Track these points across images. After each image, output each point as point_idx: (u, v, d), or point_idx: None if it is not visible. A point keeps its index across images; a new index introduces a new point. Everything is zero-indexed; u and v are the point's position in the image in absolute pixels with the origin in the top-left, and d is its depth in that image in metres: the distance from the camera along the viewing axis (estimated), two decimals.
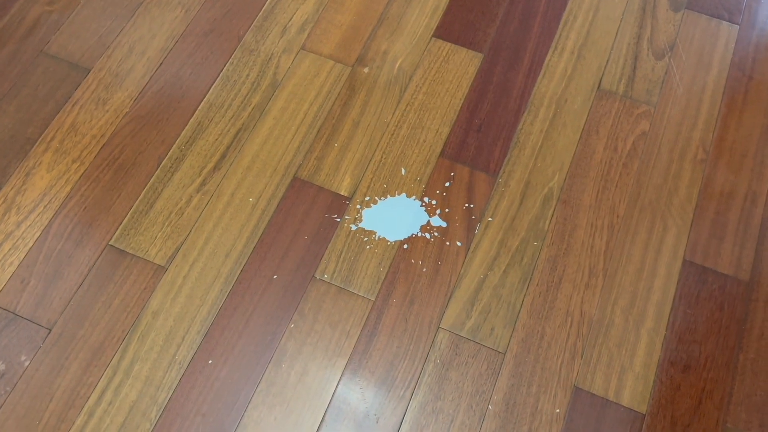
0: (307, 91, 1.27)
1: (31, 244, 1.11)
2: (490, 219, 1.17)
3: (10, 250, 1.10)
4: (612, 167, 1.23)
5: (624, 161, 1.24)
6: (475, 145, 1.23)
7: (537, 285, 1.12)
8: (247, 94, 1.26)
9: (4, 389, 1.00)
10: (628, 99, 1.29)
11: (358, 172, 1.20)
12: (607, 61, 1.33)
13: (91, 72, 1.26)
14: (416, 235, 1.15)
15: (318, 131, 1.23)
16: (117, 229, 1.13)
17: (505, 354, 1.07)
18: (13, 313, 1.06)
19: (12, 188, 1.15)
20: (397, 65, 1.30)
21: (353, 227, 1.15)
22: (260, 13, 1.34)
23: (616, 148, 1.25)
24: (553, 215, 1.18)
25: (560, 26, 1.36)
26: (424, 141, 1.23)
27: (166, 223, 1.14)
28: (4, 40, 1.29)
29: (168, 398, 1.01)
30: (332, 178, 1.19)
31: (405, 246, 1.14)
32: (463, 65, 1.31)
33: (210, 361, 1.04)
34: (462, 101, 1.27)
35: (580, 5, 1.39)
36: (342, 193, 1.18)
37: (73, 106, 1.23)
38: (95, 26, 1.31)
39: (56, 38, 1.30)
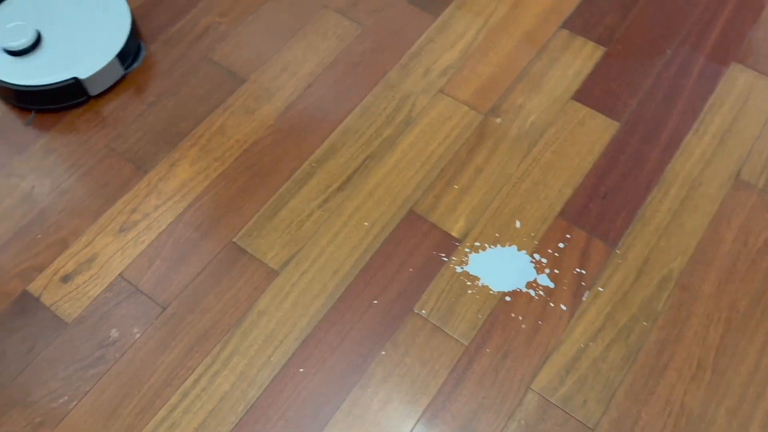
0: (438, 131, 1.31)
1: (163, 228, 1.21)
2: (600, 289, 1.14)
3: (144, 229, 1.20)
4: (739, 260, 1.17)
5: (753, 257, 1.17)
6: (597, 212, 1.21)
7: (640, 367, 1.07)
8: (381, 126, 1.32)
9: (113, 356, 1.09)
10: (767, 194, 1.23)
11: (473, 217, 1.21)
12: (750, 152, 1.28)
13: (246, 82, 1.37)
14: (521, 290, 1.14)
15: (441, 171, 1.26)
16: (242, 228, 1.20)
17: (594, 430, 1.03)
18: (135, 287, 1.15)
19: (157, 174, 1.26)
20: (530, 120, 1.32)
21: (458, 269, 1.16)
22: (407, 54, 1.41)
23: (747, 242, 1.18)
24: (668, 298, 1.13)
25: (705, 108, 1.33)
26: (545, 198, 1.23)
27: (286, 232, 1.20)
28: (175, 42, 1.43)
29: (257, 396, 1.05)
30: (446, 218, 1.21)
31: (507, 298, 1.13)
32: (597, 131, 1.30)
33: (301, 370, 1.07)
34: (590, 166, 1.26)
35: (729, 91, 1.35)
36: (453, 234, 1.19)
37: (224, 110, 1.34)
38: (256, 42, 1.43)
39: (221, 47, 1.42)
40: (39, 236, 1.19)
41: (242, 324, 1.11)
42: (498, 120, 1.32)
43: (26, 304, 1.13)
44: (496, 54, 1.41)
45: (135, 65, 1.38)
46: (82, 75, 1.29)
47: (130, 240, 1.19)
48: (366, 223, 1.21)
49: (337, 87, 1.37)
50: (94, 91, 1.33)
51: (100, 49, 1.33)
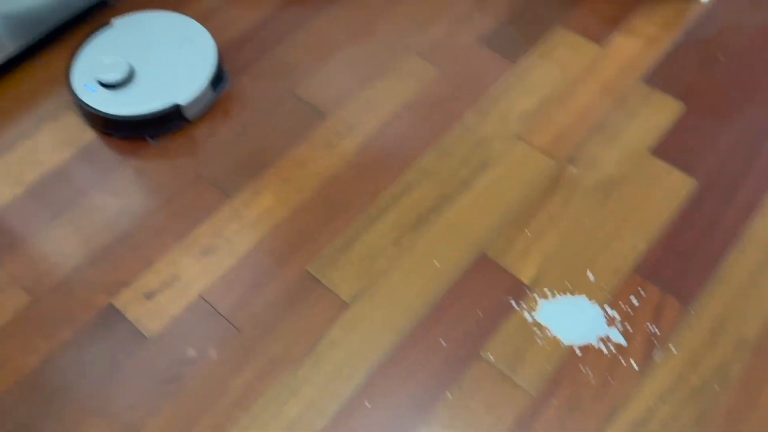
0: (513, 177, 1.32)
1: (243, 253, 1.26)
2: (672, 349, 1.12)
3: (225, 253, 1.26)
4: None
5: None
6: (672, 269, 1.20)
7: None
8: (456, 167, 1.34)
9: (190, 374, 1.13)
10: None
11: (545, 265, 1.22)
12: None
13: (328, 118, 1.43)
14: (591, 344, 1.13)
15: (514, 216, 1.27)
16: (317, 258, 1.24)
17: None
18: (214, 309, 1.20)
19: (240, 201, 1.32)
20: (606, 172, 1.32)
21: (528, 317, 1.16)
22: (485, 98, 1.44)
23: None
24: (742, 363, 1.11)
25: None
26: (618, 251, 1.23)
27: (360, 265, 1.23)
28: (263, 76, 1.50)
29: (323, 426, 1.07)
30: (518, 263, 1.22)
31: (577, 351, 1.13)
32: (674, 187, 1.30)
33: (367, 404, 1.09)
34: (666, 222, 1.26)
35: None
36: (524, 281, 1.20)
37: (306, 143, 1.39)
38: (340, 79, 1.48)
39: (305, 83, 1.49)
40: (127, 252, 1.26)
41: (313, 352, 1.14)
42: (574, 169, 1.33)
43: (110, 318, 1.19)
44: (574, 103, 1.42)
45: (222, 90, 1.47)
46: (182, 101, 1.37)
47: (211, 262, 1.25)
48: (437, 263, 1.23)
49: (415, 127, 1.41)
50: (191, 116, 1.41)
51: (193, 76, 1.41)
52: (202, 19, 1.59)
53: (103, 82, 1.39)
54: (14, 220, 1.31)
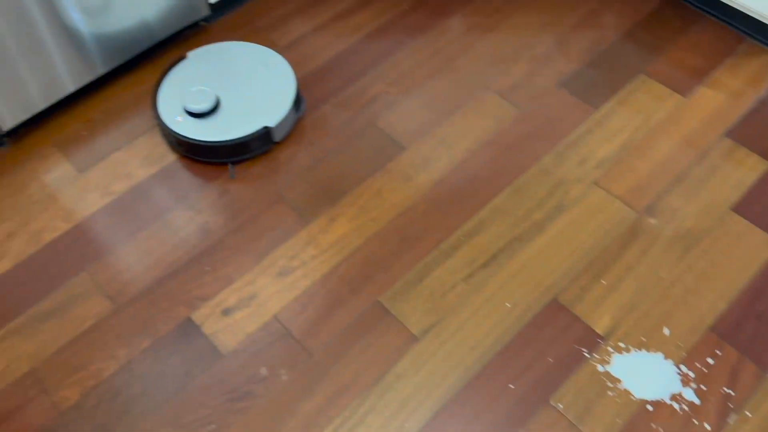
0: (589, 223, 1.32)
1: (318, 278, 1.29)
2: (748, 414, 1.09)
3: (301, 276, 1.29)
4: None
5: None
6: (752, 333, 1.17)
7: None
8: (531, 209, 1.35)
9: (261, 393, 1.16)
10: None
11: (619, 316, 1.21)
12: None
13: (406, 151, 1.46)
14: (664, 401, 1.11)
15: (589, 263, 1.27)
16: (388, 289, 1.26)
17: None
18: (287, 330, 1.23)
19: (317, 227, 1.36)
20: (685, 225, 1.30)
21: (600, 368, 1.15)
22: (563, 141, 1.44)
23: None
24: None
25: None
26: (696, 309, 1.21)
27: (430, 300, 1.24)
28: (346, 105, 1.54)
29: None
30: (591, 312, 1.21)
31: (649, 407, 1.11)
32: (756, 247, 1.27)
33: None
34: (747, 282, 1.23)
35: None
36: (597, 330, 1.19)
37: (384, 174, 1.42)
38: (420, 114, 1.51)
39: (386, 115, 1.52)
40: (207, 268, 1.31)
41: (380, 383, 1.16)
42: (652, 220, 1.32)
43: (188, 330, 1.23)
44: (655, 153, 1.41)
45: (302, 112, 1.51)
46: (271, 123, 1.42)
47: (287, 284, 1.28)
48: (508, 304, 1.24)
49: (491, 165, 1.42)
50: (278, 137, 1.46)
51: (277, 99, 1.46)
52: (289, 47, 1.65)
53: (192, 111, 1.44)
54: (101, 228, 1.37)
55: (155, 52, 1.66)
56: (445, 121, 1.50)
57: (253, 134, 1.41)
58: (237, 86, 1.49)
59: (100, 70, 1.53)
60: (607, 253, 1.29)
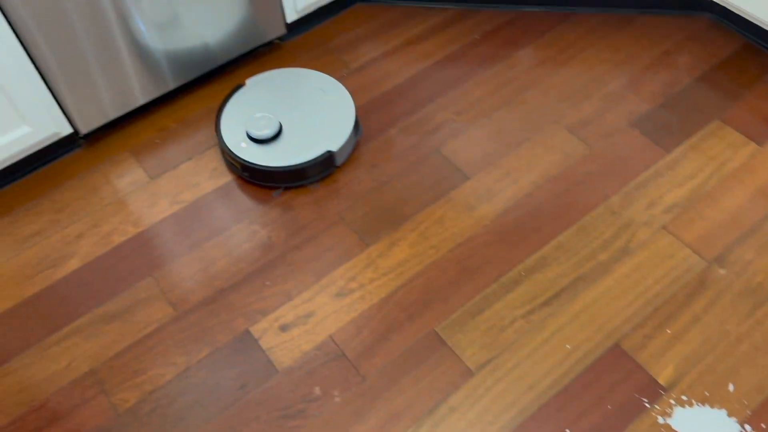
0: (656, 268, 1.29)
1: (374, 301, 1.29)
2: None
3: (358, 299, 1.29)
4: None
5: None
6: None
7: None
8: (596, 249, 1.32)
9: (313, 413, 1.16)
10: None
11: (683, 368, 1.17)
12: None
13: (470, 180, 1.45)
14: None
15: (654, 311, 1.24)
16: (445, 319, 1.25)
17: None
18: (342, 352, 1.23)
19: (377, 250, 1.36)
20: (757, 279, 1.26)
21: (660, 420, 1.12)
22: (632, 182, 1.42)
23: None
24: None
25: None
26: (764, 367, 1.16)
27: (487, 334, 1.23)
28: (412, 131, 1.55)
29: None
30: (654, 361, 1.18)
31: None
32: None
33: None
34: None
35: None
36: (659, 381, 1.16)
37: (446, 202, 1.42)
38: (486, 144, 1.51)
39: (452, 143, 1.52)
40: (268, 283, 1.32)
41: (433, 414, 1.15)
42: (722, 271, 1.28)
43: (246, 343, 1.25)
44: (727, 202, 1.38)
45: (360, 136, 1.52)
46: (333, 147, 1.44)
47: (344, 305, 1.28)
48: (568, 346, 1.21)
49: (557, 201, 1.41)
50: (340, 161, 1.47)
51: (338, 124, 1.48)
52: (359, 69, 1.67)
53: (255, 137, 1.45)
54: (168, 236, 1.41)
55: (230, 67, 1.70)
56: (512, 153, 1.50)
57: (316, 159, 1.42)
58: (297, 112, 1.51)
59: (171, 84, 1.57)
60: (674, 301, 1.25)
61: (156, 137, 1.57)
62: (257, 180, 1.46)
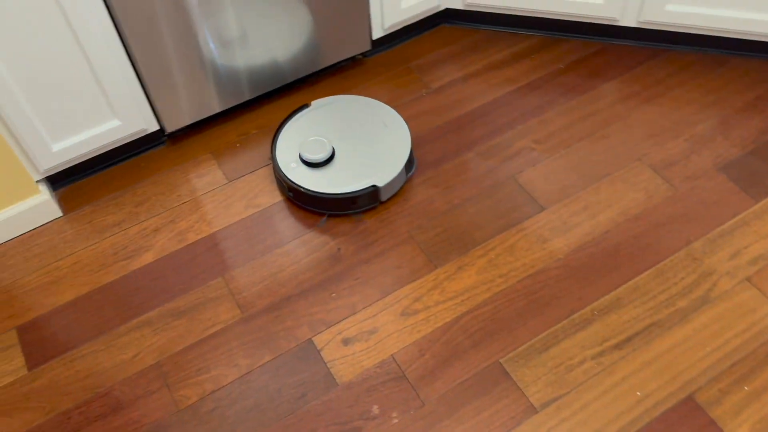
0: (737, 321, 1.23)
1: (439, 325, 1.27)
2: None
3: (423, 320, 1.28)
4: None
5: None
6: None
7: None
8: (674, 295, 1.27)
9: (371, 431, 1.15)
10: None
11: (760, 428, 1.10)
12: None
13: (545, 211, 1.43)
14: None
15: (732, 365, 1.18)
16: (511, 352, 1.23)
17: None
18: (403, 373, 1.22)
19: (445, 273, 1.35)
20: None
21: None
22: (718, 229, 1.36)
23: None
24: None
25: None
26: None
27: (553, 371, 1.20)
28: (489, 156, 1.54)
29: None
30: (729, 419, 1.12)
31: None
32: None
33: None
34: None
35: None
36: None
37: (518, 231, 1.40)
38: (563, 176, 1.48)
39: (529, 171, 1.50)
40: (333, 295, 1.33)
41: None
42: None
43: (308, 353, 1.25)
44: None
45: (412, 174, 1.49)
46: (380, 183, 1.41)
47: (408, 325, 1.27)
48: (638, 393, 1.16)
49: (635, 241, 1.36)
50: (384, 197, 1.44)
51: (390, 159, 1.45)
52: (440, 90, 1.67)
53: (306, 160, 1.45)
54: (241, 238, 1.43)
55: (312, 78, 1.73)
56: (590, 187, 1.46)
57: (360, 191, 1.40)
58: (354, 141, 1.49)
59: (254, 93, 1.61)
60: (754, 357, 1.19)
61: (237, 141, 1.60)
62: (300, 202, 1.45)
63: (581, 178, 1.48)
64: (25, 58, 1.26)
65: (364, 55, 1.76)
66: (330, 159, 1.46)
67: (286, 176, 1.44)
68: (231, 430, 1.16)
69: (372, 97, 1.67)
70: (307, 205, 1.45)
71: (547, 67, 1.71)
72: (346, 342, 1.26)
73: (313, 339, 1.27)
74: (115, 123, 1.44)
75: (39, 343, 1.30)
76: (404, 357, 1.24)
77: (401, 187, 1.48)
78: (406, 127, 1.51)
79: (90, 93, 1.37)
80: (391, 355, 1.24)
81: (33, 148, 1.37)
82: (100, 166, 1.57)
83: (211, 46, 1.44)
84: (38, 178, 1.45)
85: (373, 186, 1.41)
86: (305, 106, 1.56)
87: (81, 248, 1.43)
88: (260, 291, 1.34)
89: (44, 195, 1.44)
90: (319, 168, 1.45)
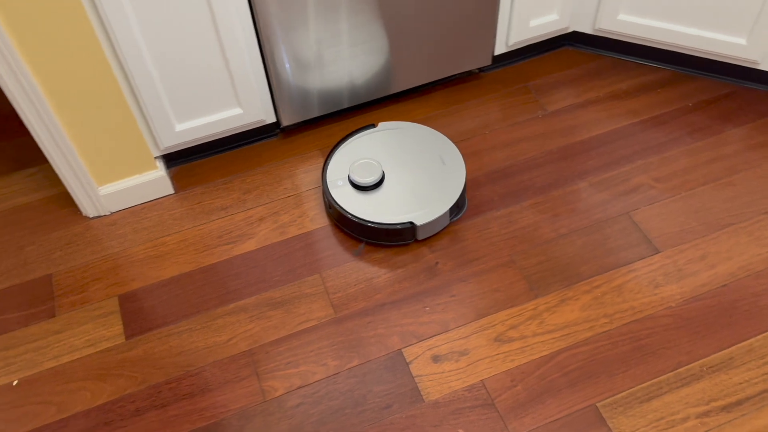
0: None
1: (534, 357, 1.23)
2: None
3: (517, 349, 1.24)
4: None
5: None
6: None
7: None
8: None
9: None
10: None
11: None
12: None
13: (659, 254, 1.35)
14: None
15: None
16: (609, 397, 1.16)
17: None
18: (492, 401, 1.18)
19: (545, 303, 1.30)
20: None
21: None
22: None
23: None
24: None
25: None
26: None
27: (653, 425, 1.12)
28: (603, 188, 1.47)
29: None
30: None
31: None
32: None
33: None
34: None
35: None
36: None
37: (629, 272, 1.33)
38: (682, 219, 1.40)
39: (645, 210, 1.43)
40: (427, 308, 1.31)
41: None
42: None
43: (397, 364, 1.23)
44: None
45: (457, 217, 1.42)
46: (418, 221, 1.35)
47: (501, 353, 1.23)
48: None
49: (756, 300, 1.27)
50: (421, 236, 1.39)
51: (436, 199, 1.38)
52: (556, 113, 1.62)
53: (352, 180, 1.41)
54: (341, 238, 1.43)
55: (427, 87, 1.71)
56: (711, 235, 1.37)
57: (396, 225, 1.34)
58: (407, 172, 1.43)
59: (370, 96, 1.61)
60: None
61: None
62: (337, 222, 1.41)
63: (702, 225, 1.39)
64: (166, 43, 1.30)
65: (481, 69, 1.74)
66: (377, 185, 1.40)
67: (329, 192, 1.40)
68: (313, 430, 1.16)
69: (484, 114, 1.64)
70: (342, 225, 1.41)
71: (674, 104, 1.62)
72: (436, 359, 1.23)
73: (403, 350, 1.25)
74: (237, 111, 1.48)
75: (138, 314, 1.34)
76: (495, 385, 1.20)
77: (442, 229, 1.42)
78: (463, 167, 1.43)
79: (220, 81, 1.42)
80: (482, 380, 1.20)
81: (158, 125, 1.43)
82: (213, 150, 1.61)
83: (331, 49, 1.46)
84: (157, 155, 1.51)
85: (411, 223, 1.35)
86: (371, 125, 1.52)
87: (188, 227, 1.47)
88: (355, 294, 1.33)
89: (160, 171, 1.49)
90: (365, 192, 1.40)
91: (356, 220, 1.37)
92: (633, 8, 1.60)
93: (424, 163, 1.45)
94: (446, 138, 1.50)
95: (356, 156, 1.46)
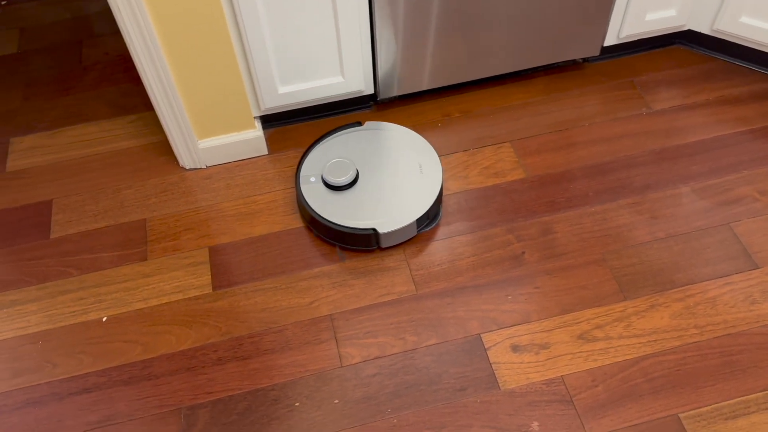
0: None
1: (618, 360, 1.19)
2: None
3: (601, 350, 1.21)
4: None
5: None
6: None
7: None
8: None
9: None
10: None
11: None
12: None
13: (758, 270, 1.29)
14: None
15: None
16: (693, 409, 1.13)
17: None
18: (570, 398, 1.16)
19: (634, 306, 1.26)
20: None
21: None
22: None
23: None
24: None
25: None
26: None
27: None
28: (705, 195, 1.41)
29: None
30: None
31: None
32: None
33: None
34: None
35: None
36: None
37: (725, 284, 1.27)
38: None
39: (747, 222, 1.35)
40: (509, 297, 1.29)
41: None
42: None
43: (474, 348, 1.23)
44: None
45: (428, 228, 1.37)
46: (381, 229, 1.31)
47: (584, 351, 1.21)
48: None
49: None
50: (385, 244, 1.34)
51: (405, 208, 1.33)
52: (659, 113, 1.55)
53: (325, 180, 1.37)
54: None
55: (529, 72, 1.68)
56: None
57: (357, 230, 1.31)
58: (382, 175, 1.38)
59: (465, 77, 1.58)
60: None
61: (439, 121, 1.60)
62: (309, 223, 1.38)
63: None
64: (284, 9, 1.32)
65: (585, 59, 1.69)
66: (349, 185, 1.37)
67: (300, 187, 1.38)
68: (387, 400, 1.17)
69: (586, 105, 1.59)
70: (306, 222, 1.39)
71: None
72: (515, 348, 1.22)
73: (482, 336, 1.24)
74: (339, 79, 1.49)
75: (226, 267, 1.38)
76: (575, 382, 1.18)
77: (408, 240, 1.37)
78: (440, 178, 1.38)
79: (329, 49, 1.43)
80: (561, 376, 1.18)
81: (263, 85, 1.45)
82: (308, 116, 1.63)
83: (440, 28, 1.44)
84: (256, 115, 1.54)
85: (373, 230, 1.31)
86: (357, 123, 1.49)
87: (279, 188, 1.50)
88: (437, 273, 1.33)
89: (257, 131, 1.52)
90: (336, 192, 1.36)
91: (319, 220, 1.34)
92: (757, 11, 1.51)
93: (402, 168, 1.40)
94: (429, 145, 1.45)
95: (335, 154, 1.43)
